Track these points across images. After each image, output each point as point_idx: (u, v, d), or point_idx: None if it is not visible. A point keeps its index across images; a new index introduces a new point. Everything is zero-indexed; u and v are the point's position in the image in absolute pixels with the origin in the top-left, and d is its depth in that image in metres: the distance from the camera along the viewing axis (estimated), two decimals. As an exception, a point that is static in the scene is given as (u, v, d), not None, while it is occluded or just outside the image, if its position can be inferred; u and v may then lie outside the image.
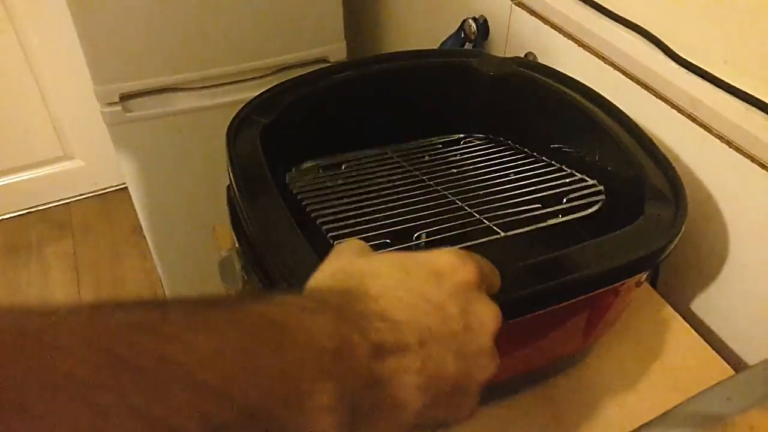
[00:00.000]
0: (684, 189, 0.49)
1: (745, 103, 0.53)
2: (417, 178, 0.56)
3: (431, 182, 0.55)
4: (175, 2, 0.96)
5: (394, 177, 0.56)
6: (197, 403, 0.19)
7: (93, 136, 1.60)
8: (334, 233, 0.46)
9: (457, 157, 0.60)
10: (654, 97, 0.61)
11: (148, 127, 1.06)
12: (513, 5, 0.77)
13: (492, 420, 0.51)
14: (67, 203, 1.79)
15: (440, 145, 0.63)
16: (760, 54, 0.54)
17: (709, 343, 0.58)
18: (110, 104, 1.02)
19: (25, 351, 0.17)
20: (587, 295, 0.44)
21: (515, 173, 0.57)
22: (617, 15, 0.65)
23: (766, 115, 0.52)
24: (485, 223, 0.46)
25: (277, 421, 0.21)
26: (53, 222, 1.74)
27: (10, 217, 1.74)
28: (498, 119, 0.66)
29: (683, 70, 0.58)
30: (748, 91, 0.53)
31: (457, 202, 0.51)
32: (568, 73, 0.62)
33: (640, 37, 0.62)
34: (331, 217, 0.48)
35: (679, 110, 0.59)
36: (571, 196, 0.51)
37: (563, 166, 0.56)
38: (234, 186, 0.49)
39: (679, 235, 0.45)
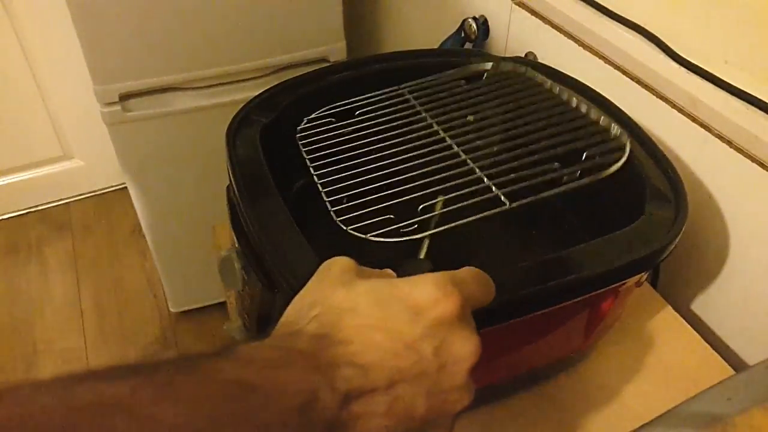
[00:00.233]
0: (684, 189, 0.49)
1: (745, 103, 0.53)
2: (431, 130, 0.53)
3: (444, 133, 0.52)
4: (175, 2, 0.96)
5: (405, 129, 0.53)
6: None
7: (92, 136, 1.60)
8: (336, 208, 0.45)
9: (481, 98, 0.57)
10: (654, 97, 0.61)
11: (147, 127, 1.06)
12: (513, 5, 0.77)
13: (492, 420, 0.51)
14: (66, 203, 1.79)
15: (463, 81, 0.61)
16: (761, 54, 0.54)
17: (709, 343, 0.58)
18: (110, 104, 1.02)
19: None
20: (588, 295, 0.44)
21: (536, 118, 0.54)
22: (618, 15, 0.65)
23: (766, 115, 0.52)
24: (493, 191, 0.45)
25: None
26: (53, 222, 1.74)
27: (10, 217, 1.74)
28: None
29: (683, 70, 0.58)
30: (748, 91, 0.53)
31: (469, 162, 0.49)
32: (568, 73, 0.62)
33: (641, 37, 0.62)
34: (333, 187, 0.47)
35: (680, 110, 0.59)
36: (590, 151, 0.48)
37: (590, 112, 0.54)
38: (234, 186, 0.49)
39: (679, 235, 0.45)
